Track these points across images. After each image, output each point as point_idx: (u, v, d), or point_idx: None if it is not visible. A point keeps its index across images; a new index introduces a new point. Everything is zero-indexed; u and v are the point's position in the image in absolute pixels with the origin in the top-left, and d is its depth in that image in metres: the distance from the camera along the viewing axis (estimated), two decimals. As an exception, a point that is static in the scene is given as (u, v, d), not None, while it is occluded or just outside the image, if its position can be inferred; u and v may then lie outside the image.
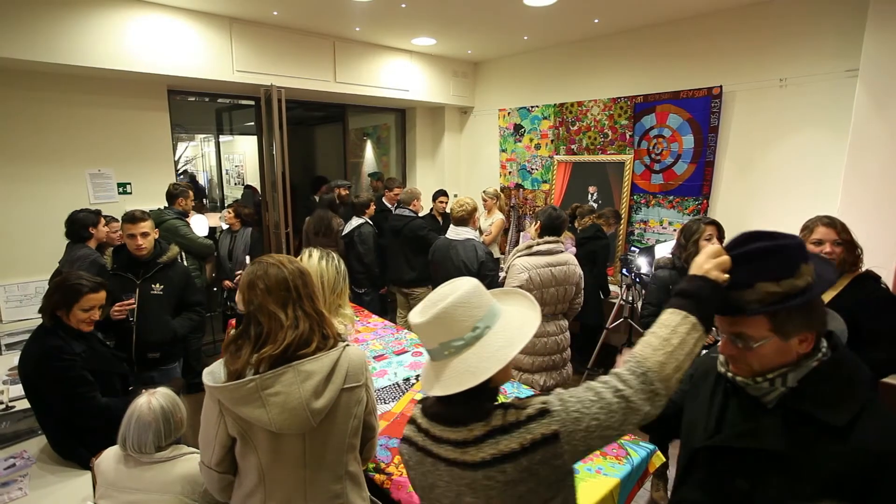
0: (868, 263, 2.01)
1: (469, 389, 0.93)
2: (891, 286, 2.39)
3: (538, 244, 2.62)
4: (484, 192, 4.79)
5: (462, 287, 0.99)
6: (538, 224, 2.71)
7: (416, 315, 1.00)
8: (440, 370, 0.98)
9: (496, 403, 0.98)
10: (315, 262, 1.64)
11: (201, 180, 8.16)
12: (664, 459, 1.93)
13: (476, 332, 0.97)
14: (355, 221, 4.16)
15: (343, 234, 4.25)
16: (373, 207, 4.28)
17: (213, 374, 1.22)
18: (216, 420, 1.22)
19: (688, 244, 2.32)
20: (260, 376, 1.16)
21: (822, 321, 0.95)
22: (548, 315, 2.68)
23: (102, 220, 3.17)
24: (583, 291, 2.76)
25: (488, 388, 0.97)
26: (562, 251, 2.68)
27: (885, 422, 0.88)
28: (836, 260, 1.91)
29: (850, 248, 1.96)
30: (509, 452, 0.90)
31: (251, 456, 1.23)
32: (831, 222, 1.99)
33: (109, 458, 1.55)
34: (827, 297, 1.83)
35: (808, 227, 2.02)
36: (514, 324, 1.00)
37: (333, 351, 1.26)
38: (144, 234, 2.48)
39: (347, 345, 1.31)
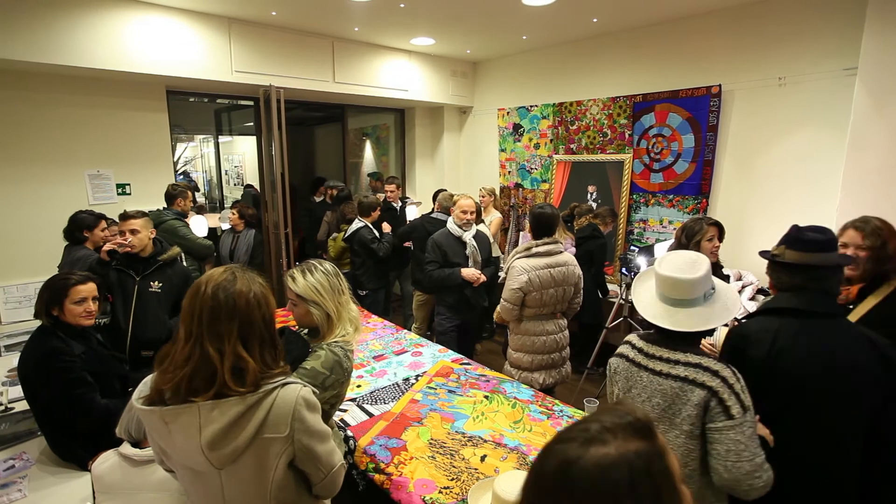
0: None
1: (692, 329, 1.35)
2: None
3: (536, 245, 2.62)
4: (482, 188, 4.83)
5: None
6: (528, 226, 2.73)
7: (684, 272, 1.37)
8: (698, 311, 1.36)
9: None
10: (301, 280, 1.54)
11: (200, 181, 8.17)
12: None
13: (713, 287, 1.41)
14: (355, 225, 4.15)
15: (345, 236, 4.24)
16: (377, 213, 4.18)
17: (146, 385, 1.14)
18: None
19: (689, 244, 2.31)
20: (160, 409, 1.05)
21: None
22: (546, 314, 2.68)
23: (103, 224, 3.13)
24: (582, 291, 2.76)
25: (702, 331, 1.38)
26: (561, 251, 2.68)
27: None
28: (858, 267, 1.75)
29: (876, 257, 1.74)
30: (701, 382, 1.29)
31: (175, 474, 1.18)
32: (862, 226, 1.78)
33: (104, 463, 1.55)
34: (867, 305, 1.72)
35: (843, 229, 1.84)
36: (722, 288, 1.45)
37: (251, 396, 1.07)
38: (133, 231, 2.52)
39: (287, 384, 1.13)
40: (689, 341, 1.38)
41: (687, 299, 1.37)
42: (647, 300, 1.45)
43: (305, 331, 1.66)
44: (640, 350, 1.45)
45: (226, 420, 1.05)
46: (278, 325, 1.29)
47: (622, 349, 1.52)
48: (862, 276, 1.77)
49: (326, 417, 1.45)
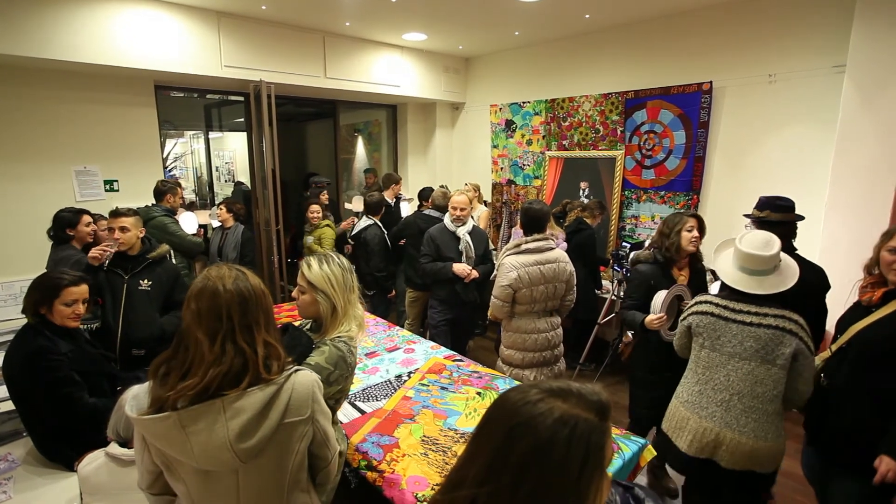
0: (855, 258, 1.96)
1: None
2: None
3: (527, 242, 2.62)
4: (466, 183, 4.92)
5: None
6: (520, 223, 2.73)
7: (762, 249, 1.76)
8: (773, 278, 1.77)
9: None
10: (317, 269, 1.54)
11: (190, 177, 8.08)
12: (655, 453, 1.94)
13: (781, 257, 1.81)
14: (364, 222, 4.10)
15: (352, 233, 4.20)
16: (383, 210, 4.16)
17: (138, 399, 1.09)
18: (141, 447, 1.12)
19: (671, 233, 2.34)
20: (177, 413, 1.02)
21: None
22: (538, 312, 2.68)
23: (86, 219, 3.07)
24: (575, 289, 2.76)
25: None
26: (552, 248, 2.68)
27: None
28: None
29: None
30: (790, 330, 1.72)
31: (180, 486, 1.13)
32: None
33: (91, 464, 1.53)
34: (891, 307, 1.71)
35: (889, 233, 1.74)
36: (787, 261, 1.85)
37: (272, 384, 1.10)
38: (123, 229, 2.49)
39: (298, 370, 1.17)
40: (766, 298, 1.79)
41: (760, 270, 1.78)
42: (727, 269, 1.86)
43: (308, 325, 1.65)
44: (724, 307, 1.85)
45: (254, 409, 1.06)
46: (280, 322, 1.30)
47: (702, 307, 1.90)
48: None
49: (332, 413, 1.44)
